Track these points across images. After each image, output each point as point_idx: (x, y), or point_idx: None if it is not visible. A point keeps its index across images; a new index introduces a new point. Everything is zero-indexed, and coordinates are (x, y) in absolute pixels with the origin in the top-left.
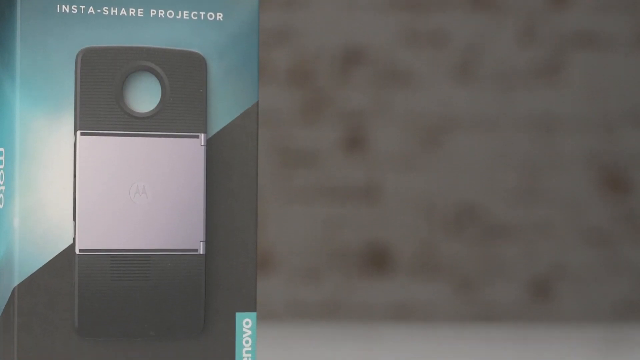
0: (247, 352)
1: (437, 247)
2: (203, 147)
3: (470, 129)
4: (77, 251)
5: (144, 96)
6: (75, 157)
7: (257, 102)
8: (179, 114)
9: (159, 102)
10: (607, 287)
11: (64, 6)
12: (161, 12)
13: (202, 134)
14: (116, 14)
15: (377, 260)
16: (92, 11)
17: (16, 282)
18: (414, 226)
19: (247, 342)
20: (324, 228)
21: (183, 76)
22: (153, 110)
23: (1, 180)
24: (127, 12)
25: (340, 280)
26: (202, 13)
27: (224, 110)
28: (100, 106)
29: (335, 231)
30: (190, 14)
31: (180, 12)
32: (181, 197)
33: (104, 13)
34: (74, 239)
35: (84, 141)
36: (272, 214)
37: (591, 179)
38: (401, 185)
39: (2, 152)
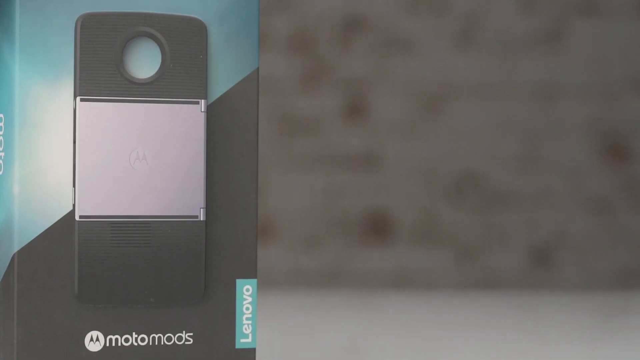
0: (247, 318)
1: (438, 215)
2: (203, 113)
3: (471, 97)
4: (77, 217)
5: (144, 62)
6: (74, 123)
7: (258, 68)
8: (179, 80)
9: (159, 68)
10: (608, 255)
11: None
12: None
13: (202, 100)
14: None
15: (377, 228)
16: None
17: (16, 249)
18: (414, 194)
19: (247, 308)
20: (325, 196)
21: (183, 42)
22: (153, 76)
23: (1, 147)
24: None
25: (341, 248)
26: None
27: (224, 76)
28: (100, 72)
29: (336, 199)
30: None
31: None
32: (181, 163)
33: None
34: (74, 205)
35: (83, 107)
36: (272, 182)
37: (592, 146)
38: (402, 153)
39: (1, 118)
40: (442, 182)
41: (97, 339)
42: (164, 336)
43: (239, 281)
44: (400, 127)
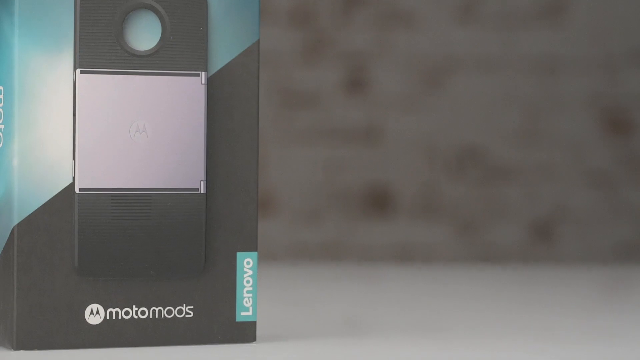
0: (247, 291)
1: (439, 188)
2: (204, 85)
3: (473, 70)
4: (76, 190)
5: (144, 34)
6: (74, 96)
7: (258, 40)
8: (180, 52)
9: (159, 40)
10: (608, 228)
11: None
12: None
13: (203, 72)
14: None
15: (378, 201)
16: None
17: (15, 222)
18: (415, 168)
19: (247, 281)
20: (326, 170)
21: (183, 14)
22: (153, 48)
23: (0, 119)
24: None
25: (342, 222)
26: None
27: (224, 48)
28: (100, 44)
29: (337, 173)
30: None
31: None
32: (182, 135)
33: None
34: (74, 178)
35: (83, 79)
36: (273, 156)
37: (593, 120)
38: (403, 126)
39: (1, 90)
40: (443, 156)
41: (97, 312)
42: (164, 309)
43: (239, 254)
44: (402, 101)
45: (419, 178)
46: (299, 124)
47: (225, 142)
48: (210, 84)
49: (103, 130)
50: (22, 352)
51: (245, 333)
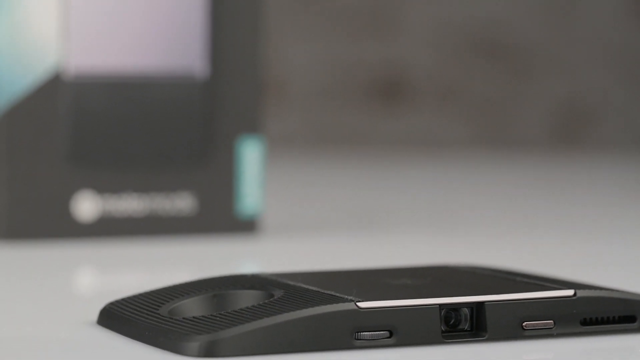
0: (253, 175)
1: (455, 73)
2: None
3: None
4: (69, 74)
5: None
6: None
7: None
8: None
9: None
10: (634, 117)
11: None
12: None
13: None
14: None
15: (392, 88)
16: None
17: (3, 108)
18: (432, 52)
19: (252, 168)
20: (338, 55)
21: None
22: None
23: None
24: None
25: (355, 107)
26: None
27: None
28: None
29: (350, 58)
30: None
31: None
32: (181, 14)
33: None
34: (66, 61)
35: None
36: (283, 38)
37: (622, 3)
38: (419, 8)
39: None
40: (461, 40)
41: (91, 202)
42: (162, 201)
43: (244, 137)
44: None
45: (435, 63)
46: (310, 7)
47: (230, 21)
48: None
49: (97, 8)
50: (12, 242)
51: (247, 224)
